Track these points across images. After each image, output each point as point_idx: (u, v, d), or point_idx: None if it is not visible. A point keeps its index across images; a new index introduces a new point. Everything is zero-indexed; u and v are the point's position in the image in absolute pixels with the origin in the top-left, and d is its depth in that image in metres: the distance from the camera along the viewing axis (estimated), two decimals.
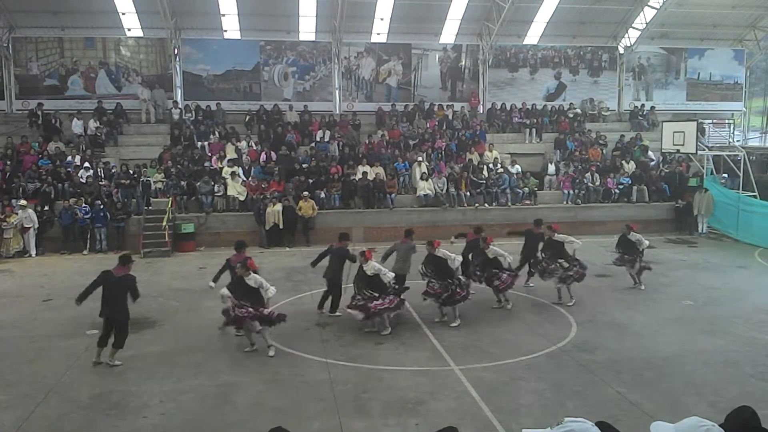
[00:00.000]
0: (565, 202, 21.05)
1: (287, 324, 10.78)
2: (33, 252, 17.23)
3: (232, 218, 18.91)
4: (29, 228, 17.13)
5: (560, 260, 12.02)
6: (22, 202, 17.35)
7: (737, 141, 25.45)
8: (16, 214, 17.01)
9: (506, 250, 12.08)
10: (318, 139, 22.33)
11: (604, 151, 23.43)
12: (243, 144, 21.50)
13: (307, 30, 24.43)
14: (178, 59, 23.68)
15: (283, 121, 23.03)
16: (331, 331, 10.24)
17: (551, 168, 22.12)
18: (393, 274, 10.57)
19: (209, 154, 20.94)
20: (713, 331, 10.54)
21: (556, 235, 12.26)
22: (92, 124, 21.51)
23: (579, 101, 26.17)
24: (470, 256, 12.17)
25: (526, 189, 20.94)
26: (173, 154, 20.61)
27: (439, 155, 22.11)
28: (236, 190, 19.16)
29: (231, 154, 20.83)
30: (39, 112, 21.76)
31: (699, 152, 20.93)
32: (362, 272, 10.35)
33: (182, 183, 19.22)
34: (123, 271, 8.97)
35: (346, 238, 11.71)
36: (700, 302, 12.36)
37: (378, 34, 24.95)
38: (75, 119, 21.45)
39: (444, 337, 10.18)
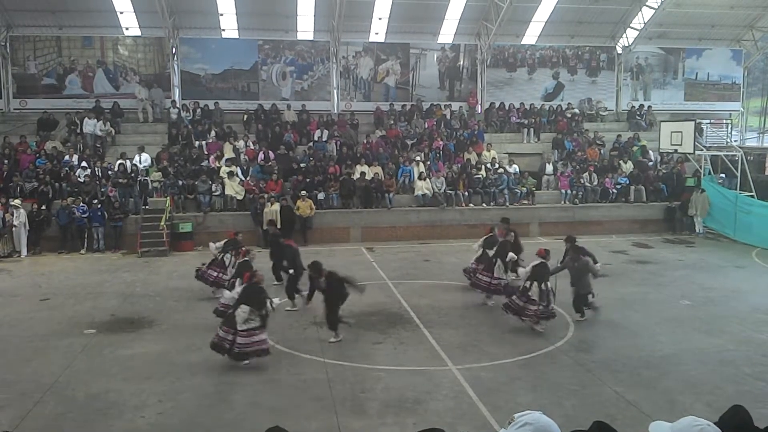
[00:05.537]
0: (562, 202, 21.06)
1: (285, 324, 10.81)
2: (24, 252, 17.06)
3: (229, 218, 18.87)
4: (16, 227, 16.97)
5: None
6: (16, 201, 17.23)
7: (735, 141, 25.48)
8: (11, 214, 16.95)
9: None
10: (316, 138, 22.31)
11: (602, 151, 23.45)
12: (241, 143, 21.47)
13: (305, 29, 24.40)
14: (176, 58, 23.63)
15: (281, 120, 23.00)
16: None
17: (549, 168, 22.11)
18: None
19: (207, 154, 20.90)
20: (710, 330, 10.57)
21: None
22: (101, 126, 21.35)
23: (577, 101, 26.17)
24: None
25: (524, 189, 20.96)
26: (171, 153, 20.57)
27: (437, 155, 22.10)
28: (234, 189, 19.15)
29: (229, 153, 20.79)
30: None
31: (697, 152, 20.94)
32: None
33: (180, 182, 19.21)
34: None
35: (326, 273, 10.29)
36: (697, 302, 12.39)
37: (376, 33, 24.92)
38: (86, 119, 21.34)
39: (442, 337, 10.19)
